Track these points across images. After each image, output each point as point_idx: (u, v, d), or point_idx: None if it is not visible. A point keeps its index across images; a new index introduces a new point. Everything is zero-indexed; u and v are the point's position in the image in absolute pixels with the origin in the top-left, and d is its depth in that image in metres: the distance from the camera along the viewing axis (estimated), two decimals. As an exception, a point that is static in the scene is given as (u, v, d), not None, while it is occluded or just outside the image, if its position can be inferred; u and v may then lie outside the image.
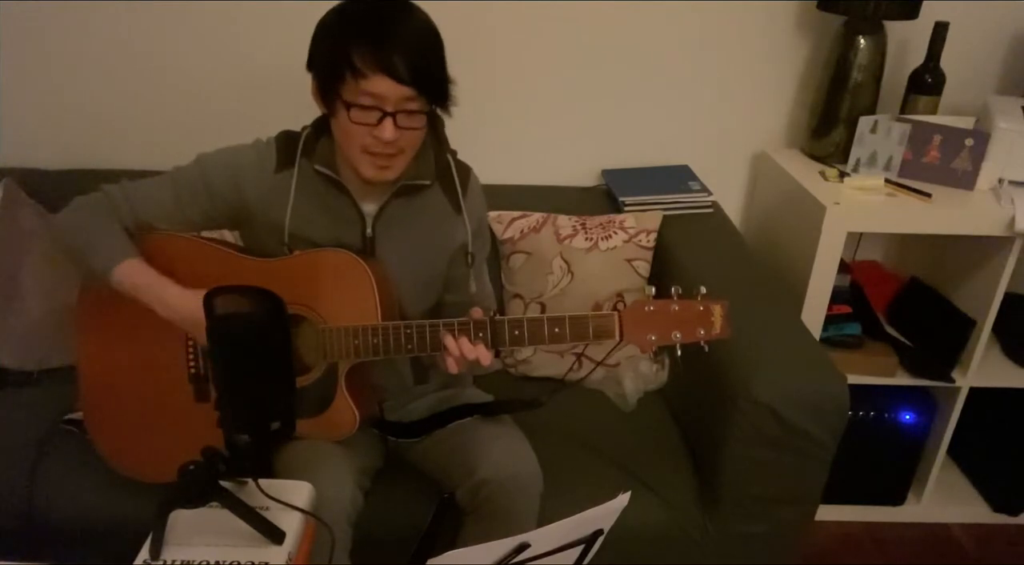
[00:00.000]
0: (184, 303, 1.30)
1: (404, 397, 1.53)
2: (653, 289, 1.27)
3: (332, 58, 1.22)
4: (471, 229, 1.44)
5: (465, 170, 1.46)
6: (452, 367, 1.28)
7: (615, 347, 1.29)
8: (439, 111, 1.32)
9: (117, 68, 1.98)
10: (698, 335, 1.25)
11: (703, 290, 1.25)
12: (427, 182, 1.38)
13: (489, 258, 1.58)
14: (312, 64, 1.28)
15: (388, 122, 1.22)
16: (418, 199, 1.39)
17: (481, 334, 1.27)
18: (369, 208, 1.38)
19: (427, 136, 1.39)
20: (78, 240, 1.34)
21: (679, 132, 2.14)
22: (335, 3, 1.26)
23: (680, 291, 1.25)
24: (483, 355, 1.26)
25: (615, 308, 1.27)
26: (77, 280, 1.43)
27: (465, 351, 1.26)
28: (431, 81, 1.24)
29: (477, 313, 1.29)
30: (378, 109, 1.22)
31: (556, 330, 1.26)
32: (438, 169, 1.40)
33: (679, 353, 1.26)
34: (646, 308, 1.25)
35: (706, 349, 1.26)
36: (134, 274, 1.32)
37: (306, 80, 1.29)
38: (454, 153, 1.44)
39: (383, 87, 1.20)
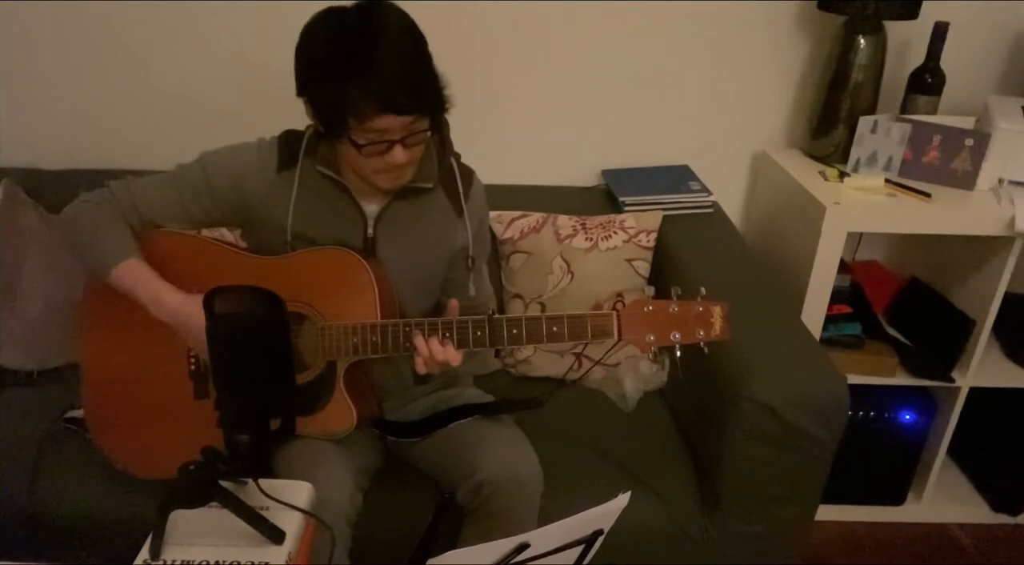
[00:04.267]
0: (179, 307, 1.31)
1: (404, 397, 1.53)
2: (652, 289, 1.27)
3: (331, 105, 1.22)
4: (472, 232, 1.44)
5: (468, 174, 1.46)
6: (420, 367, 1.28)
7: (613, 346, 1.29)
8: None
9: (117, 68, 1.98)
10: (697, 336, 1.25)
11: (703, 291, 1.25)
12: (430, 185, 1.39)
13: (489, 258, 1.58)
14: (305, 94, 1.26)
15: (397, 148, 1.24)
16: (420, 201, 1.40)
17: (479, 333, 1.27)
18: (371, 208, 1.38)
19: (432, 139, 1.39)
20: (81, 237, 1.35)
21: (679, 132, 2.14)
22: (331, 3, 1.25)
23: (680, 292, 1.25)
24: (452, 356, 1.27)
25: (614, 308, 1.27)
26: (77, 279, 1.44)
27: (434, 352, 1.26)
28: (429, 101, 1.24)
29: (453, 306, 1.30)
30: (386, 140, 1.23)
31: (554, 329, 1.26)
32: (441, 172, 1.41)
33: (678, 354, 1.26)
34: (645, 308, 1.25)
35: (705, 351, 1.26)
36: (133, 274, 1.33)
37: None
38: (458, 156, 1.45)
39: (387, 123, 1.21)
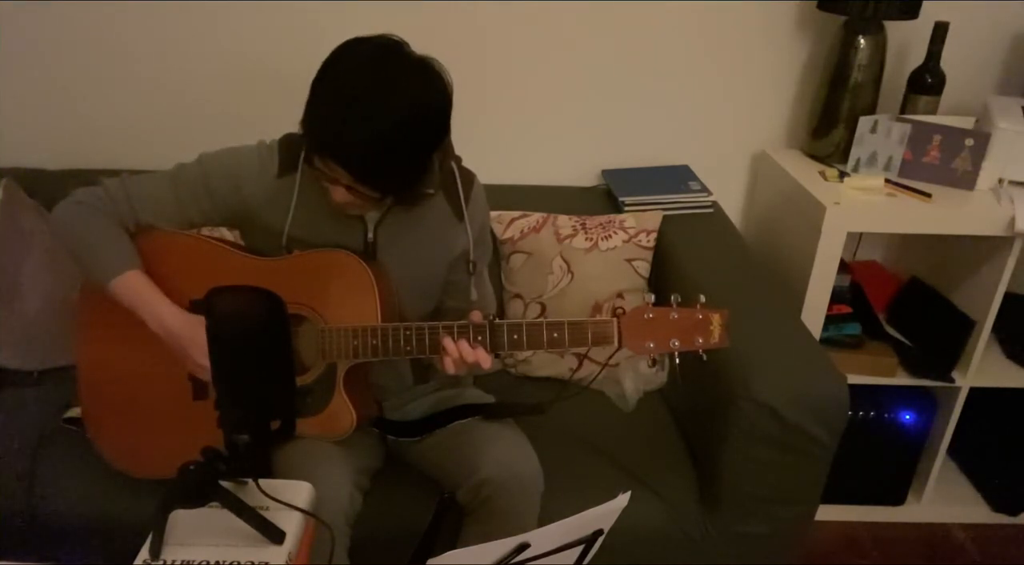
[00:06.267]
0: (180, 327, 1.31)
1: (404, 397, 1.53)
2: (652, 296, 1.28)
3: (304, 120, 1.21)
4: (473, 236, 1.43)
5: (469, 177, 1.45)
6: (450, 368, 1.28)
7: (615, 353, 1.29)
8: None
9: (117, 68, 1.98)
10: (696, 344, 1.26)
11: (702, 299, 1.26)
12: (430, 190, 1.38)
13: (490, 260, 1.58)
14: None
15: (340, 188, 1.23)
16: (421, 206, 1.39)
17: (480, 337, 1.27)
18: (371, 214, 1.38)
19: None
20: (78, 244, 1.34)
21: (679, 132, 2.14)
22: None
23: (680, 299, 1.25)
24: (483, 358, 1.26)
25: (614, 312, 1.27)
26: (77, 279, 1.43)
27: (464, 354, 1.26)
28: (379, 180, 1.22)
29: (476, 316, 1.29)
30: (335, 177, 1.22)
31: (555, 335, 1.26)
32: (442, 177, 1.40)
33: (677, 361, 1.26)
34: (645, 315, 1.25)
35: (704, 358, 1.26)
36: (133, 288, 1.32)
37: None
38: (459, 160, 1.44)
39: (334, 167, 1.20)
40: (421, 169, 1.28)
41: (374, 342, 1.29)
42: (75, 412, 1.57)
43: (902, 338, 2.07)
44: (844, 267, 2.00)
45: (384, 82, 1.16)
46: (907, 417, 2.02)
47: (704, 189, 2.01)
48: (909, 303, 2.14)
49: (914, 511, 2.17)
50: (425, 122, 1.21)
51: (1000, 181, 1.91)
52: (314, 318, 1.32)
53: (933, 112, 1.96)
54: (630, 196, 1.97)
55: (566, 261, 1.87)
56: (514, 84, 2.05)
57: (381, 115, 1.16)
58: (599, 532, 0.95)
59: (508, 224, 1.93)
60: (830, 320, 1.96)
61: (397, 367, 1.49)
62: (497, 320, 1.28)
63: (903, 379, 2.00)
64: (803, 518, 1.58)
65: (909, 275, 2.20)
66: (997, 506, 2.18)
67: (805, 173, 1.97)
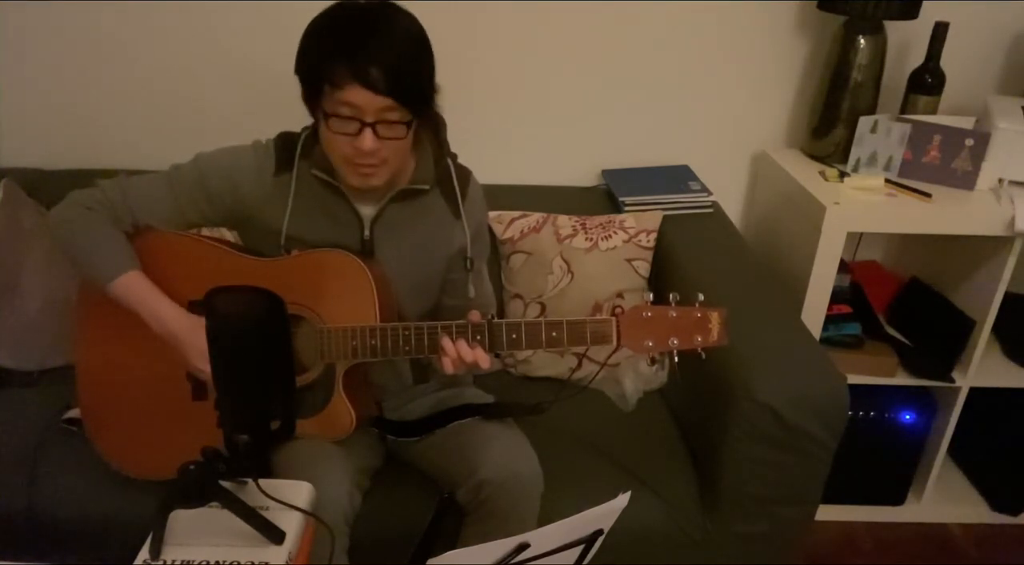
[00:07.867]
0: (181, 326, 1.31)
1: (404, 396, 1.53)
2: (651, 295, 1.28)
3: (311, 67, 1.22)
4: (470, 234, 1.43)
5: (465, 175, 1.45)
6: (449, 368, 1.28)
7: (613, 352, 1.29)
8: (438, 112, 1.32)
9: (117, 68, 1.98)
10: (695, 342, 1.25)
11: (701, 297, 1.26)
12: (426, 187, 1.38)
13: (489, 258, 1.58)
14: (297, 70, 1.27)
15: (367, 132, 1.21)
16: (417, 203, 1.39)
17: (479, 337, 1.27)
18: (367, 211, 1.38)
19: (428, 140, 1.39)
20: (75, 246, 1.34)
21: (679, 132, 2.14)
22: (330, 3, 1.26)
23: (678, 298, 1.25)
24: (481, 358, 1.26)
25: (613, 312, 1.27)
26: (77, 279, 1.43)
27: (463, 353, 1.26)
28: (409, 91, 1.22)
29: (475, 316, 1.29)
30: (357, 119, 1.21)
31: (553, 334, 1.26)
32: (438, 173, 1.40)
33: (676, 360, 1.26)
34: (644, 314, 1.25)
35: (703, 356, 1.26)
36: (132, 289, 1.32)
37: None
38: (454, 157, 1.44)
39: (359, 97, 1.19)
40: (433, 82, 1.28)
41: (373, 342, 1.29)
42: (75, 412, 1.57)
43: (902, 338, 2.07)
44: (844, 267, 2.00)
45: (386, 10, 1.23)
46: (907, 417, 2.02)
47: (704, 189, 2.01)
48: (909, 303, 2.14)
49: (914, 511, 2.17)
50: (423, 32, 1.25)
51: (1000, 181, 1.91)
52: (312, 318, 1.32)
53: (933, 112, 1.96)
54: (630, 196, 1.97)
55: (566, 261, 1.87)
56: (514, 84, 2.05)
57: (392, 28, 1.21)
58: (599, 532, 0.95)
59: (508, 224, 1.93)
60: (830, 320, 1.96)
61: (396, 367, 1.49)
62: (496, 320, 1.28)
63: (903, 379, 2.00)
64: (803, 518, 1.58)
65: (909, 275, 2.20)
66: (997, 506, 2.18)
67: (805, 173, 1.97)
